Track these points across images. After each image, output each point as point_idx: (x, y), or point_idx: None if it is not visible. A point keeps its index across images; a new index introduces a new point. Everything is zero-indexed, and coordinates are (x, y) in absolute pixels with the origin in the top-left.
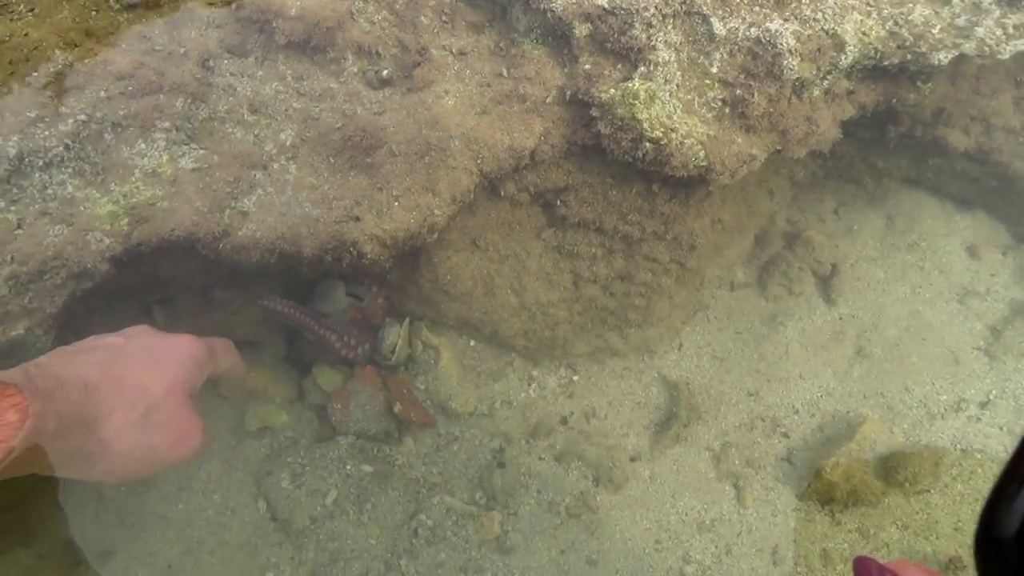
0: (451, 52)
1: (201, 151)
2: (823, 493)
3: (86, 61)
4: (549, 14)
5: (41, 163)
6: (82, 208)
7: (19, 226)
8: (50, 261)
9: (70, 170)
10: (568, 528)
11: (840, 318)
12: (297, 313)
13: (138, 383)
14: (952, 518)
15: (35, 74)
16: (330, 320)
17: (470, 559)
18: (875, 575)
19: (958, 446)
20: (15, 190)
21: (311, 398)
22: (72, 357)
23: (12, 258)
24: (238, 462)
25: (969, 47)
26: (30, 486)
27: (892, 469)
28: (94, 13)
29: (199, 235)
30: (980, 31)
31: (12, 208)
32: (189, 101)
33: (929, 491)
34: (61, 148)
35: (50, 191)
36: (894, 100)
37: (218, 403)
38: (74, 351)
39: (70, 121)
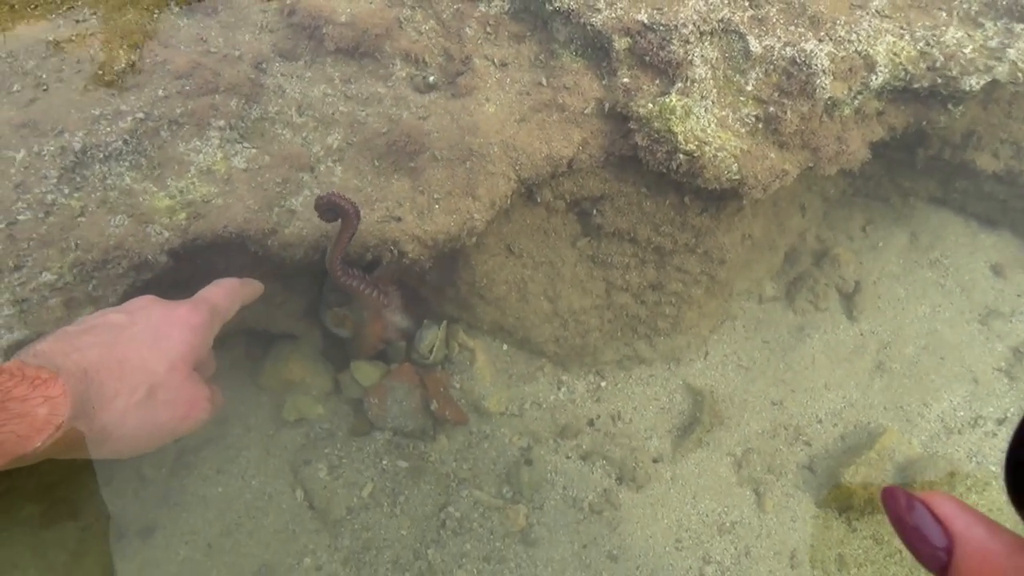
0: (493, 62)
1: (253, 150)
2: (841, 500)
3: (147, 61)
4: (589, 28)
5: (102, 156)
6: (141, 200)
7: (82, 214)
8: (112, 251)
9: (127, 163)
10: (591, 523)
11: (861, 333)
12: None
13: (140, 363)
14: None
15: (100, 73)
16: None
17: (494, 550)
18: (903, 503)
19: (974, 459)
20: (78, 179)
21: (347, 392)
22: (73, 340)
23: (76, 245)
24: (276, 450)
25: (1001, 70)
26: (80, 463)
27: (909, 479)
28: (155, 15)
29: (250, 232)
30: (1012, 53)
31: (75, 196)
32: (243, 101)
33: None
34: (120, 143)
35: (109, 182)
36: (924, 123)
37: (256, 392)
38: (76, 332)
39: (129, 118)
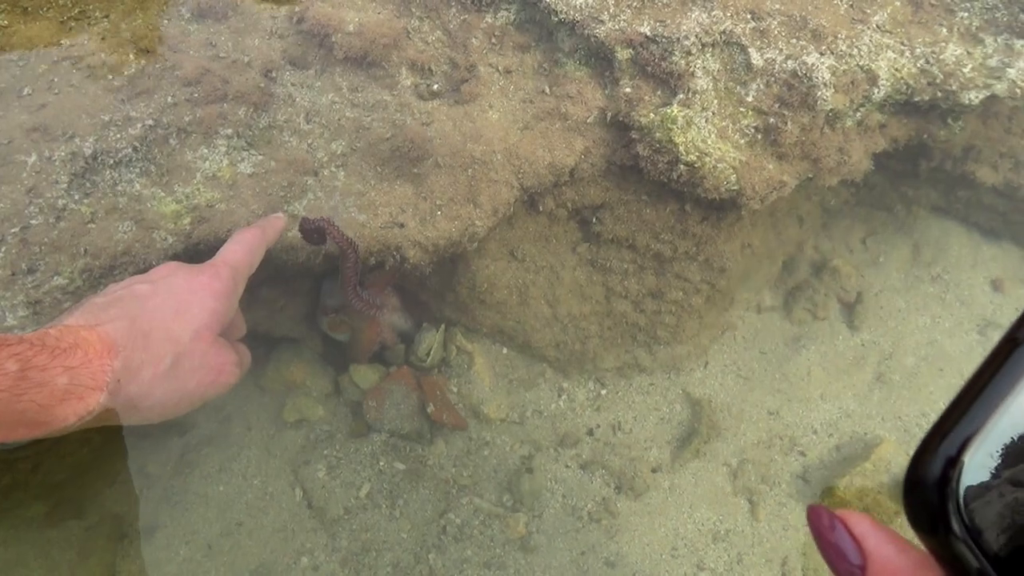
0: (498, 70)
1: (259, 157)
2: (835, 508)
3: (156, 66)
4: (592, 39)
5: (112, 162)
6: (149, 206)
7: (92, 220)
8: (120, 257)
9: (137, 170)
10: (589, 531)
11: (862, 344)
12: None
13: (164, 334)
14: None
15: (110, 78)
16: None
17: (494, 556)
18: (826, 523)
19: None
20: (88, 185)
21: (347, 394)
22: (99, 314)
23: (85, 251)
24: (276, 450)
25: (1000, 88)
26: (86, 462)
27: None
28: (165, 22)
29: None
30: (1012, 72)
31: (85, 201)
32: (251, 110)
33: None
34: (130, 150)
35: (119, 188)
36: (925, 136)
37: (259, 393)
38: (103, 304)
39: (139, 125)
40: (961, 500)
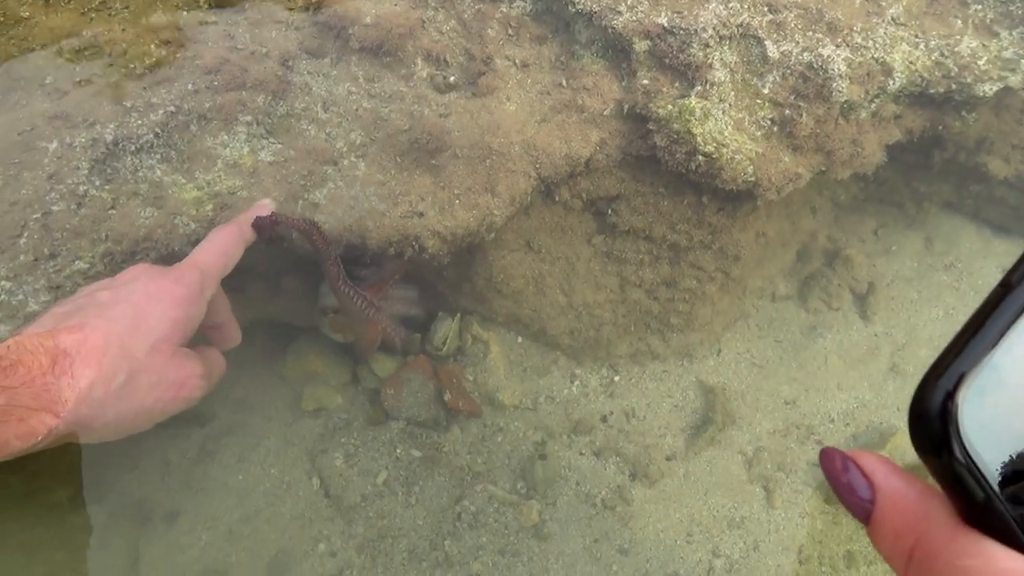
0: (514, 62)
1: (278, 145)
2: None
3: (177, 56)
4: (610, 30)
5: (133, 148)
6: (170, 192)
7: (113, 206)
8: (141, 242)
9: (158, 156)
10: (603, 518)
11: (875, 335)
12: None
13: (119, 350)
14: None
15: (132, 66)
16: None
17: (508, 543)
18: (838, 463)
19: None
20: (109, 171)
21: (365, 383)
22: (57, 325)
23: (106, 236)
24: (294, 439)
25: (1015, 80)
26: (109, 448)
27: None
28: (184, 13)
29: None
30: None
31: (106, 188)
32: (269, 98)
33: None
34: (151, 136)
35: (140, 174)
36: (940, 127)
37: (278, 382)
38: (64, 314)
39: (160, 112)
40: (960, 427)
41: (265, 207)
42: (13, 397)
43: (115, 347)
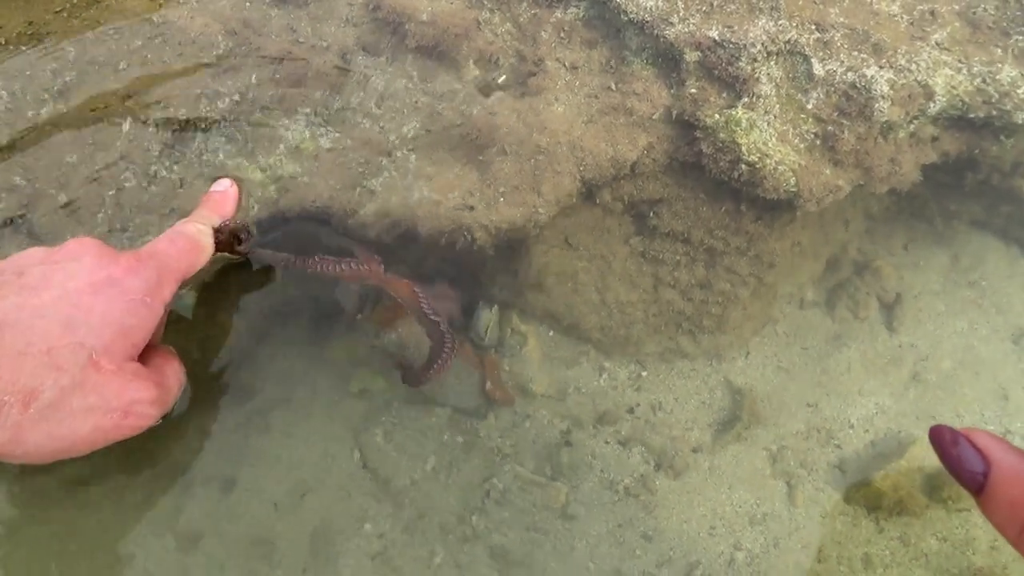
0: (564, 65)
1: (336, 135)
2: (871, 500)
3: (242, 47)
4: (661, 39)
5: (201, 131)
6: (237, 174)
7: (181, 185)
8: None
9: (223, 138)
10: (627, 505)
11: (900, 345)
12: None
13: (45, 359)
14: (990, 536)
15: (200, 54)
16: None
17: (534, 521)
18: (948, 438)
19: None
20: (177, 152)
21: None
22: None
23: (173, 210)
24: (339, 418)
25: None
26: None
27: (937, 487)
28: (248, 4)
29: (333, 208)
30: None
31: (175, 168)
32: (328, 91)
33: (970, 510)
34: (219, 120)
35: (206, 157)
36: (976, 151)
37: (323, 365)
38: None
39: (227, 99)
40: None
41: (224, 193)
42: None
43: (38, 354)
